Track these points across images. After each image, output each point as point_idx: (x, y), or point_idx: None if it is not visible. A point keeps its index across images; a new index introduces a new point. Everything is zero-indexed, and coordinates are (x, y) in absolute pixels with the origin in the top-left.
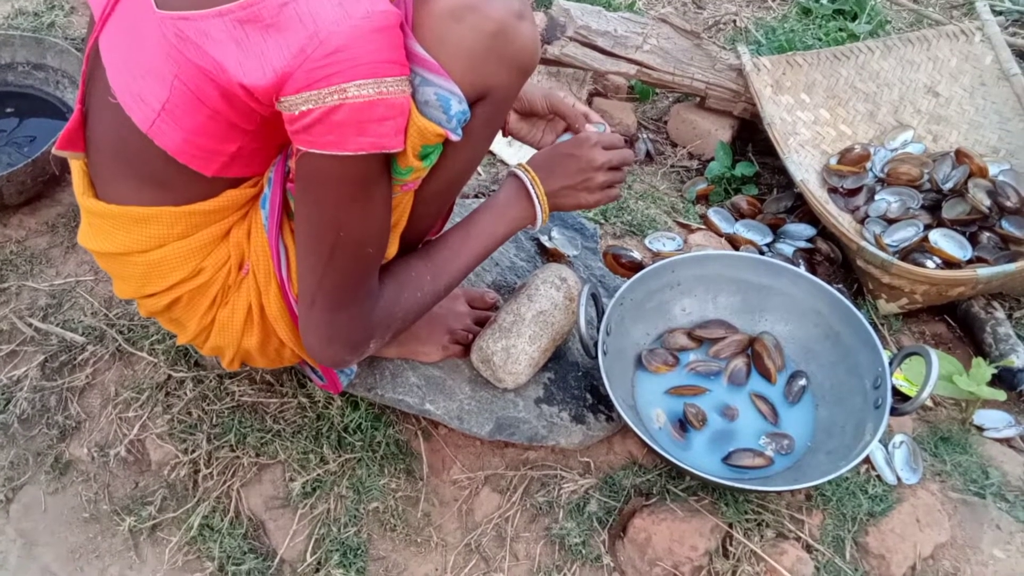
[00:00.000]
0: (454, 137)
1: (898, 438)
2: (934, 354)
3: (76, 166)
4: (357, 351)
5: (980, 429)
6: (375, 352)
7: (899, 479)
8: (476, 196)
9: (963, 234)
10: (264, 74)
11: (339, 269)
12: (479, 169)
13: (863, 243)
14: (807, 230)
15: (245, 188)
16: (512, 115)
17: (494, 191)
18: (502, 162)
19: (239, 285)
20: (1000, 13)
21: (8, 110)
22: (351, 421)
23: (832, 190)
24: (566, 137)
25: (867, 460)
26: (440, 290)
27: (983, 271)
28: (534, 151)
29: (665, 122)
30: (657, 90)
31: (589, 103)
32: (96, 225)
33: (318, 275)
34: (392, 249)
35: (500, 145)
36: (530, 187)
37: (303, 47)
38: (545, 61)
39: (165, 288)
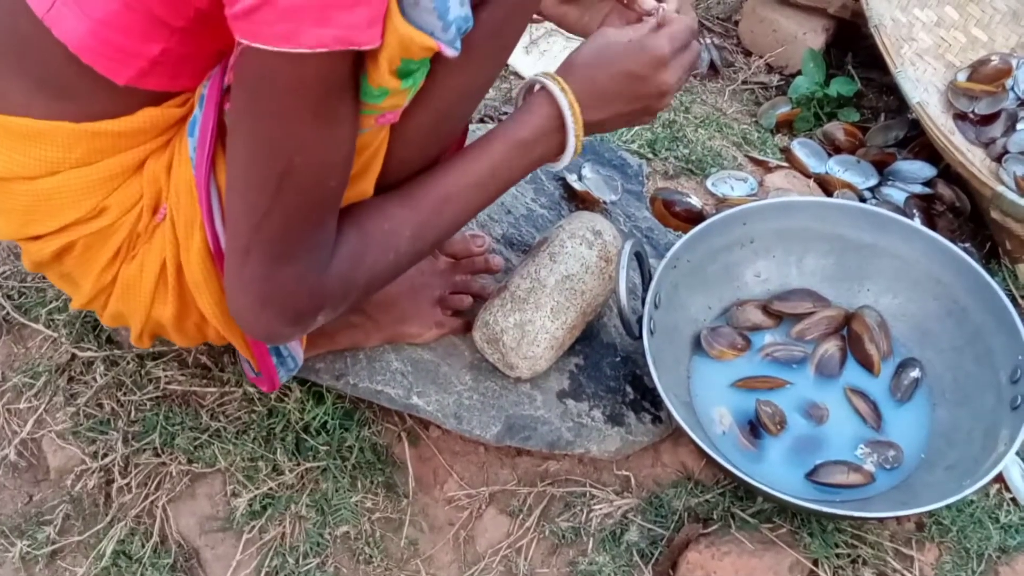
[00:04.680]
0: (449, 52)
1: None
2: None
3: None
4: (300, 322)
5: None
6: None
7: None
8: (482, 120)
9: None
10: None
11: (288, 208)
12: None
13: (1000, 188)
14: (925, 170)
15: (169, 107)
16: None
17: (519, 108)
18: (516, 75)
19: (151, 234)
20: None
21: None
22: (314, 419)
23: (960, 116)
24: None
25: (999, 478)
26: (423, 249)
27: None
28: (558, 57)
29: (736, 22)
30: None
31: None
32: None
33: (259, 216)
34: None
35: (517, 54)
36: (569, 122)
37: None
38: None
39: (55, 229)
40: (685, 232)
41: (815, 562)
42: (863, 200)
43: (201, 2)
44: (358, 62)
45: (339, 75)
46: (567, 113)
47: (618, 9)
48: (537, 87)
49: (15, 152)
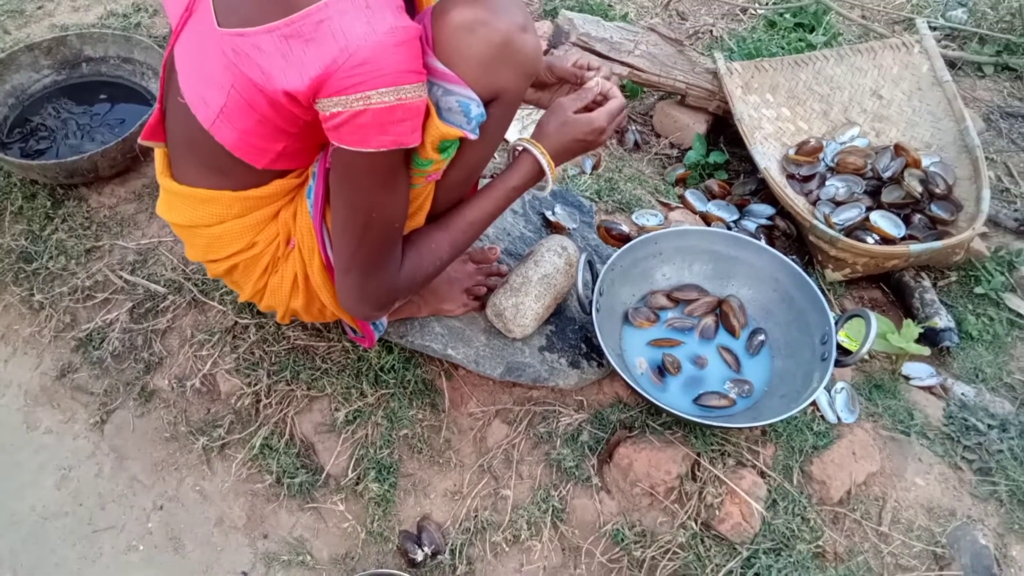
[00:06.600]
0: (472, 136)
1: (839, 385)
2: (873, 317)
3: (158, 151)
4: (384, 309)
5: (907, 378)
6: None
7: (839, 419)
8: (492, 176)
9: (898, 215)
10: (302, 80)
11: (370, 243)
12: (495, 154)
13: (815, 221)
14: (768, 210)
15: (291, 178)
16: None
17: (511, 164)
18: None
19: (287, 257)
20: (935, 28)
21: (102, 97)
22: (386, 363)
23: (790, 176)
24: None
25: (813, 403)
26: (456, 256)
27: (914, 247)
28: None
29: (651, 116)
30: (645, 89)
31: None
32: (170, 201)
33: (352, 249)
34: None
35: (513, 133)
36: (547, 169)
37: (335, 58)
38: None
39: (225, 256)
40: (619, 248)
41: (698, 454)
42: (730, 228)
43: (307, 117)
44: (409, 151)
45: (396, 162)
46: (544, 164)
47: (561, 89)
48: (521, 148)
49: (196, 210)
